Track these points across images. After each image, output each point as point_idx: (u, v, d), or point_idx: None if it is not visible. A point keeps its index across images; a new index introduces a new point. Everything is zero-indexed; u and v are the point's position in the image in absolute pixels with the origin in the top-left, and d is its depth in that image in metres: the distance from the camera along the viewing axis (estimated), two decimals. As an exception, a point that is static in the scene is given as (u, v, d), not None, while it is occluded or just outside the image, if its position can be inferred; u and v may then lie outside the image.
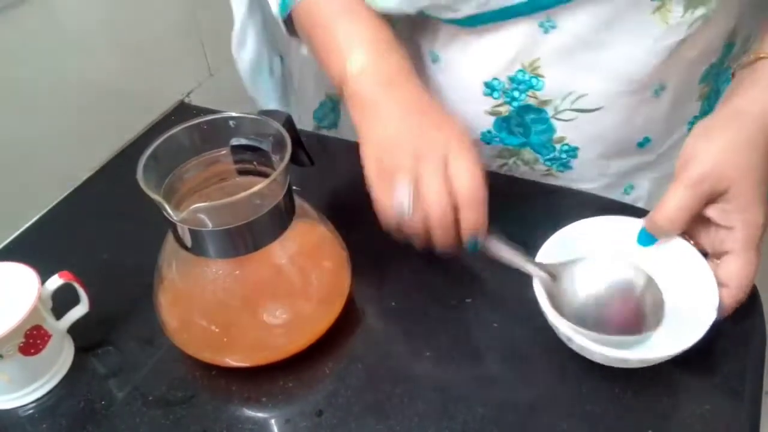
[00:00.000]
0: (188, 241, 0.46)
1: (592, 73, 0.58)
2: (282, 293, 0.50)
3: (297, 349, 0.50)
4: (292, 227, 0.48)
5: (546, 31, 0.56)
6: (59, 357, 0.51)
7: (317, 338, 0.50)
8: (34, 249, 0.62)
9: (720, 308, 0.46)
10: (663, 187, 0.66)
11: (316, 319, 0.50)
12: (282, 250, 0.48)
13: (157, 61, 0.77)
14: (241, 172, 0.51)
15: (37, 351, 0.49)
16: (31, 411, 0.50)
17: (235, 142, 0.49)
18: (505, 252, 0.50)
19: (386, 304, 0.55)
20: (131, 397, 0.50)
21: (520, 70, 0.59)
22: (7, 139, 0.63)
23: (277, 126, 0.47)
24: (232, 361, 0.49)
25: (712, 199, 0.47)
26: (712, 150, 0.47)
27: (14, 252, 0.62)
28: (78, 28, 0.67)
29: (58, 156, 0.68)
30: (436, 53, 0.65)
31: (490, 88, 0.62)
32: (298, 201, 0.50)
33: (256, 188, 0.43)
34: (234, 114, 0.48)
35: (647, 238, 0.51)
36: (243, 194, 0.42)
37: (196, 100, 0.83)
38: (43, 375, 0.50)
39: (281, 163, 0.46)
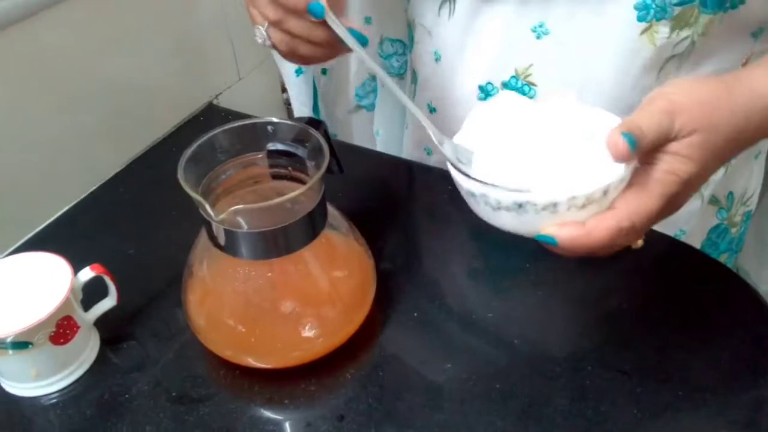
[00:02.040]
0: (222, 241, 0.47)
1: (583, 90, 0.58)
2: (309, 298, 0.50)
3: (321, 354, 0.50)
4: (323, 233, 0.49)
5: (539, 37, 0.57)
6: (86, 348, 0.52)
7: (341, 344, 0.51)
8: (61, 240, 0.63)
9: (596, 225, 0.40)
10: None
11: (341, 324, 0.51)
12: (312, 256, 0.49)
13: (189, 63, 0.78)
14: (275, 177, 0.52)
15: (66, 341, 0.49)
16: (55, 400, 0.50)
17: (272, 146, 0.50)
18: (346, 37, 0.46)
19: (409, 314, 0.55)
20: (155, 392, 0.50)
21: (513, 77, 0.60)
22: (42, 133, 0.64)
23: (315, 134, 0.48)
24: (257, 362, 0.50)
25: (672, 138, 0.41)
26: (697, 96, 0.41)
27: (43, 242, 0.63)
28: (113, 29, 0.68)
29: (89, 151, 0.69)
30: (438, 52, 0.66)
31: (484, 92, 0.63)
32: (330, 208, 0.51)
33: (295, 193, 0.43)
34: (273, 119, 0.49)
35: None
36: (282, 198, 0.43)
37: (224, 103, 0.84)
38: (70, 365, 0.51)
39: (317, 170, 0.46)
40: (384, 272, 0.56)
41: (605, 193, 0.40)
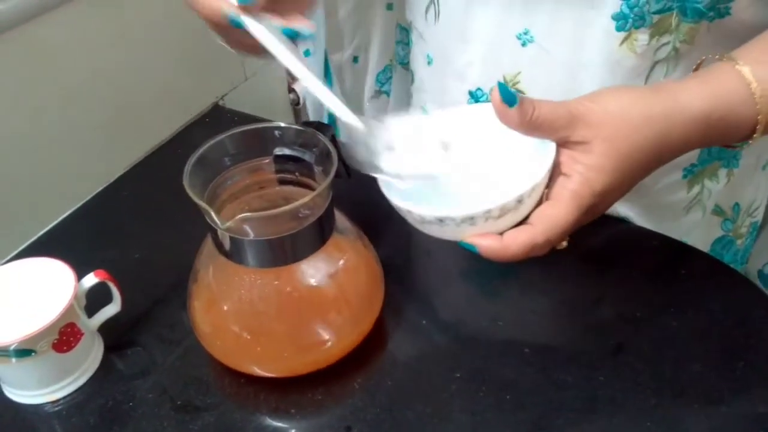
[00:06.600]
0: (228, 248, 0.46)
1: (570, 98, 0.56)
2: (317, 306, 0.49)
3: (328, 363, 0.50)
4: (331, 241, 0.48)
5: (524, 44, 0.56)
6: (89, 355, 0.51)
7: (348, 352, 0.50)
8: (64, 245, 0.62)
9: (512, 240, 0.42)
10: (650, 218, 0.64)
11: (348, 332, 0.50)
12: (320, 263, 0.48)
13: (195, 64, 0.78)
14: (282, 182, 0.51)
15: (70, 348, 0.49)
16: (59, 408, 0.50)
17: (278, 151, 0.49)
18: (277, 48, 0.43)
19: (417, 321, 0.54)
20: (159, 400, 0.49)
21: (501, 84, 0.59)
22: (46, 135, 0.63)
23: (322, 139, 0.47)
24: (262, 371, 0.49)
25: (571, 142, 0.43)
26: (609, 105, 0.43)
27: (46, 246, 0.62)
28: (118, 30, 0.68)
29: (93, 153, 0.69)
30: (430, 56, 0.65)
31: (473, 97, 0.62)
32: (338, 215, 0.50)
33: (304, 200, 0.43)
34: (281, 124, 0.48)
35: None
36: (290, 206, 0.42)
37: (230, 103, 0.83)
38: (73, 372, 0.50)
39: (324, 175, 0.46)
40: (392, 279, 0.55)
41: (519, 201, 0.41)
